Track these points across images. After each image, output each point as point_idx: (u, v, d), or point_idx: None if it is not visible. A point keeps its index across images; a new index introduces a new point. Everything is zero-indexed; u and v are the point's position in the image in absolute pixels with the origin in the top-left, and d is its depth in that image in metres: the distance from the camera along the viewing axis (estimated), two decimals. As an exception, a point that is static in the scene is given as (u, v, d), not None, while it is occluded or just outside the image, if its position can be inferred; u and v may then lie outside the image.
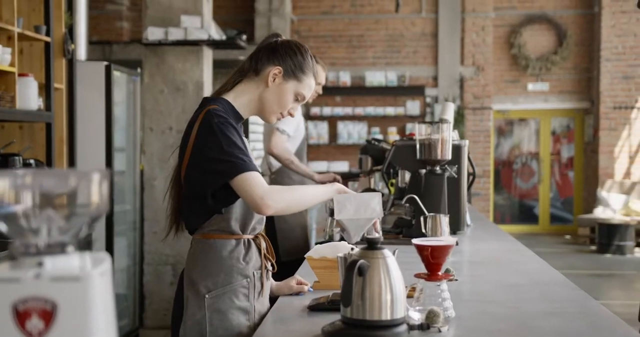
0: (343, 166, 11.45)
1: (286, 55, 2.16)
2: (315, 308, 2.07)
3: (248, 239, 2.13)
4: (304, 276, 2.56)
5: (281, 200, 2.00)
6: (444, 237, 2.06)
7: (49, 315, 0.86)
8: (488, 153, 11.90)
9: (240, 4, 11.91)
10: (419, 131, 3.62)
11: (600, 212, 11.07)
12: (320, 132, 11.69)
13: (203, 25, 5.67)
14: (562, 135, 12.61)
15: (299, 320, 1.99)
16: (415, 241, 1.99)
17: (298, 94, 2.18)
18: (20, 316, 0.86)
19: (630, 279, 8.66)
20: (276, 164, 4.52)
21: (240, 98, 2.17)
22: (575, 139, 12.43)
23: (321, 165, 11.61)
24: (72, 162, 4.86)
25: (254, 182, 1.98)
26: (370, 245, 1.80)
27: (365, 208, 2.22)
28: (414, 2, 11.77)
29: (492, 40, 11.76)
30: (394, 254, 1.83)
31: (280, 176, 4.51)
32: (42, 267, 0.88)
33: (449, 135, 3.60)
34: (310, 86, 2.20)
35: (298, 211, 2.21)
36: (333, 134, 11.77)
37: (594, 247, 10.46)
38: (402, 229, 3.58)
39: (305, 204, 2.15)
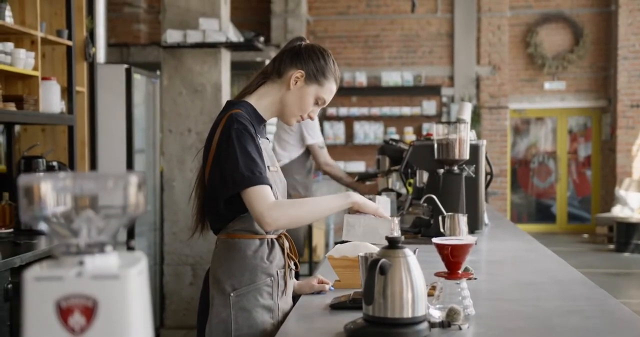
0: (359, 166, 11.48)
1: (309, 59, 2.19)
2: (337, 306, 2.11)
3: (271, 239, 2.18)
4: (325, 274, 2.59)
5: (283, 216, 2.04)
6: (464, 236, 2.09)
7: (90, 311, 0.91)
8: (505, 152, 11.89)
9: (256, 5, 11.97)
10: (437, 131, 3.65)
11: (618, 211, 11.03)
12: (336, 132, 11.73)
13: (221, 27, 5.72)
14: (579, 134, 12.58)
15: (321, 318, 2.03)
16: (435, 240, 2.02)
17: (319, 98, 2.22)
18: (63, 312, 0.90)
19: (649, 278, 8.64)
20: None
21: (262, 100, 2.21)
22: (593, 138, 12.39)
23: (338, 166, 11.63)
24: (93, 164, 4.93)
25: (257, 197, 2.01)
26: (391, 244, 1.83)
27: (373, 234, 2.24)
28: (430, 2, 11.78)
29: (508, 40, 11.75)
30: (414, 253, 1.86)
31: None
32: (83, 266, 0.92)
33: (466, 135, 3.63)
34: (331, 91, 2.24)
35: (307, 224, 2.22)
36: (349, 134, 11.80)
37: (612, 246, 10.43)
38: (420, 229, 3.60)
39: (314, 218, 2.17)
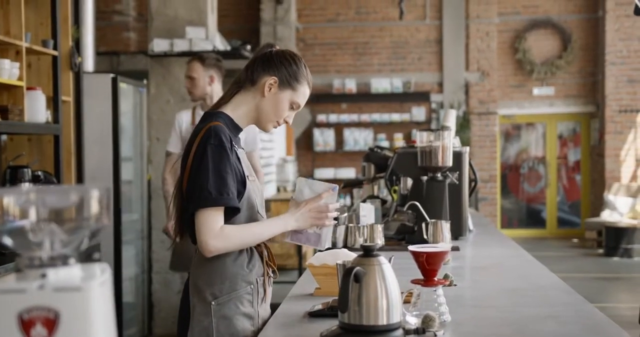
0: (350, 173, 11.50)
1: (281, 65, 2.21)
2: (315, 314, 2.13)
3: (251, 248, 2.19)
4: (305, 283, 2.61)
5: (223, 248, 2.07)
6: (440, 244, 2.11)
7: (52, 323, 0.92)
8: (494, 158, 11.93)
9: (245, 13, 11.99)
10: (420, 138, 3.68)
11: (607, 216, 11.08)
12: (326, 139, 11.76)
13: (208, 36, 5.75)
14: (568, 139, 12.63)
15: (300, 326, 2.04)
16: (411, 247, 2.05)
17: (293, 103, 2.24)
18: (25, 324, 0.92)
19: (638, 282, 8.67)
20: None
21: (238, 110, 2.23)
22: (582, 143, 12.44)
23: (328, 172, 11.66)
24: (80, 173, 4.93)
25: (205, 221, 2.05)
26: (366, 252, 1.85)
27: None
28: (418, 9, 11.83)
29: (497, 46, 11.80)
30: (389, 261, 1.88)
31: None
32: (45, 279, 0.94)
33: (449, 142, 3.66)
34: (305, 94, 2.26)
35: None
36: (339, 140, 11.82)
37: (601, 251, 10.47)
38: (404, 236, 3.63)
39: (259, 241, 2.18)
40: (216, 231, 2.05)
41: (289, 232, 2.25)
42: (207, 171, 2.06)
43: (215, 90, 4.17)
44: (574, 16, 11.89)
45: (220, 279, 2.13)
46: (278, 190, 9.96)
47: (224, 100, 2.25)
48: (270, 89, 2.20)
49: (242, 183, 2.13)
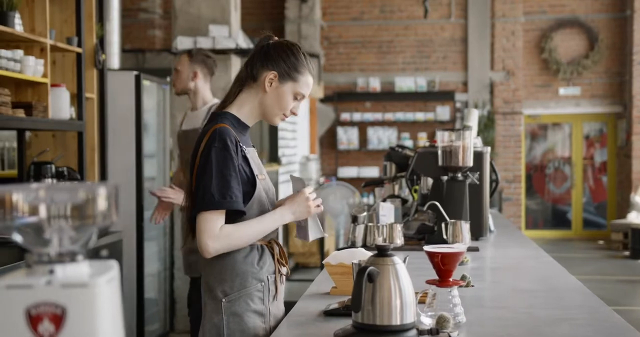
0: (373, 172, 11.49)
1: (279, 58, 2.20)
2: (331, 313, 2.13)
3: (261, 245, 2.21)
4: (322, 282, 2.62)
5: (225, 245, 2.10)
6: (455, 245, 2.10)
7: (59, 319, 0.93)
8: (519, 158, 11.85)
9: (270, 11, 12.02)
10: (442, 138, 3.66)
11: (633, 217, 10.96)
12: (350, 137, 11.75)
13: (231, 34, 5.77)
14: (595, 139, 12.51)
15: (314, 325, 2.05)
16: (426, 248, 2.04)
17: (297, 94, 2.23)
18: (33, 319, 0.93)
19: (663, 285, 8.57)
20: None
21: (243, 108, 2.23)
22: (608, 144, 12.32)
23: (351, 171, 11.66)
24: (103, 169, 4.98)
25: (206, 223, 2.08)
26: (380, 252, 1.85)
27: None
28: (444, 8, 11.78)
29: (522, 45, 11.72)
30: (404, 261, 1.88)
31: None
32: (53, 275, 0.95)
33: (470, 142, 3.63)
34: (307, 84, 2.24)
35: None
36: (363, 139, 11.81)
37: (627, 253, 10.36)
38: (424, 235, 3.62)
39: (259, 236, 2.18)
40: (215, 232, 2.08)
41: (297, 231, 2.28)
42: (211, 174, 2.08)
43: (199, 86, 4.17)
44: (601, 15, 11.77)
45: (231, 276, 2.15)
46: (301, 188, 9.97)
47: (229, 99, 2.25)
48: (271, 83, 2.20)
49: (251, 184, 2.15)
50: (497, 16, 11.65)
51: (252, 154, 2.21)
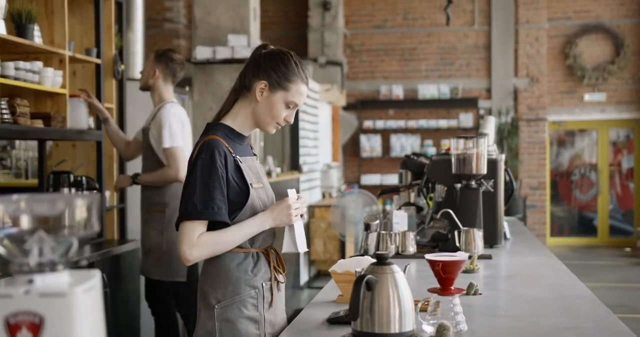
0: (396, 179, 11.45)
1: (269, 68, 2.21)
2: (334, 321, 2.14)
3: (257, 252, 2.23)
4: (330, 290, 2.63)
5: (203, 253, 2.14)
6: (457, 253, 2.10)
7: (37, 328, 0.96)
8: (544, 165, 11.77)
9: (293, 20, 12.08)
10: (456, 146, 3.65)
11: (661, 225, 10.82)
12: (373, 145, 11.75)
13: (250, 43, 5.81)
14: (621, 145, 12.38)
15: (317, 332, 2.06)
16: (427, 256, 2.05)
17: (289, 103, 2.24)
18: (12, 328, 0.96)
19: (691, 293, 8.45)
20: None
21: (237, 119, 2.26)
22: (635, 150, 12.19)
23: (374, 178, 11.65)
24: (122, 179, 5.02)
25: (186, 232, 2.12)
26: (379, 261, 1.86)
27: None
28: (467, 15, 11.75)
29: (547, 51, 11.64)
30: (404, 269, 1.89)
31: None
32: (32, 284, 0.98)
33: (484, 149, 3.62)
34: (300, 92, 2.25)
35: None
36: (386, 147, 11.80)
37: (654, 261, 10.23)
38: (438, 243, 3.61)
39: (238, 242, 2.19)
40: (193, 241, 2.11)
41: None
42: (194, 185, 2.12)
43: (157, 85, 4.25)
44: (627, 20, 11.67)
45: (224, 283, 2.18)
46: (323, 196, 9.99)
47: (225, 108, 2.28)
48: (262, 93, 2.22)
49: (244, 193, 2.17)
50: (521, 22, 11.60)
51: (249, 163, 2.24)
